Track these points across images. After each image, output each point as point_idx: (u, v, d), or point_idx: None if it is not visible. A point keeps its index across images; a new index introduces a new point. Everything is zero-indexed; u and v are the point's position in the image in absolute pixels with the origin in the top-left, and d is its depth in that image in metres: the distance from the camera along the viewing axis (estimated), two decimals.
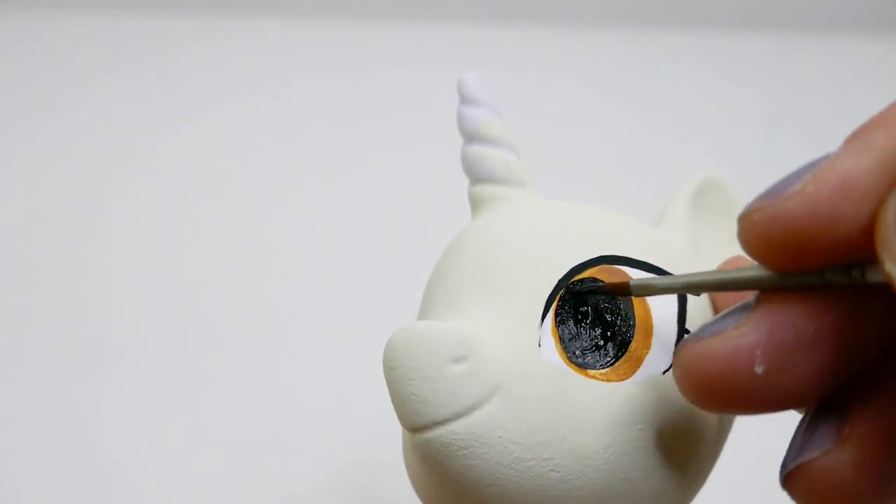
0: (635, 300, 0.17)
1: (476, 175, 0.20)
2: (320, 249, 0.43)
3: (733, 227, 0.20)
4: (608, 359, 0.17)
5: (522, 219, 0.18)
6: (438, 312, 0.18)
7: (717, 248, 0.21)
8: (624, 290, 0.17)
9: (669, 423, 0.16)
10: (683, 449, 0.17)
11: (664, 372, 0.17)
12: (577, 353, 0.16)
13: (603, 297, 0.17)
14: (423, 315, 0.19)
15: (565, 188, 0.31)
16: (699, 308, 0.18)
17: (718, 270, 0.15)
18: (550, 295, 0.17)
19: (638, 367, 0.17)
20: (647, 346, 0.17)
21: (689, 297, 0.17)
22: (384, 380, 0.16)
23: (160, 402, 0.35)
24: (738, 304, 0.13)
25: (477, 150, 0.20)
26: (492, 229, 0.18)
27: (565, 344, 0.16)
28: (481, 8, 0.60)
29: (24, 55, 0.54)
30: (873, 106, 0.49)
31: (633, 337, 0.17)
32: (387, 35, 0.57)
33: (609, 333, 0.17)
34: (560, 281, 0.17)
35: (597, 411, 0.16)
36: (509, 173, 0.19)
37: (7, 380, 0.35)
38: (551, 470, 0.16)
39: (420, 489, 0.18)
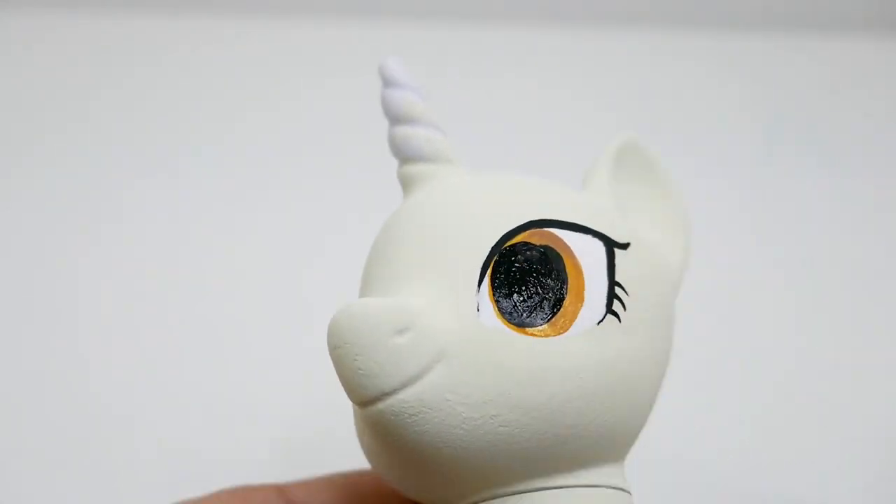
0: (566, 256, 0.18)
1: (404, 155, 0.20)
2: (313, 242, 0.44)
3: (654, 186, 0.22)
4: (545, 316, 0.17)
5: (453, 193, 0.19)
6: (377, 289, 0.18)
7: (640, 207, 0.22)
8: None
9: (608, 369, 0.17)
10: (624, 392, 0.18)
11: (599, 323, 0.17)
12: (515, 313, 0.17)
13: (535, 257, 0.18)
14: (363, 294, 0.19)
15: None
16: (628, 260, 0.19)
17: None
18: (485, 262, 0.18)
19: (573, 320, 0.17)
20: (581, 300, 0.18)
21: (617, 250, 0.18)
22: (331, 359, 0.17)
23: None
24: None
25: (403, 130, 0.20)
26: (423, 205, 0.19)
27: (502, 306, 0.17)
28: (481, 8, 0.60)
29: (24, 55, 0.55)
30: (873, 106, 0.49)
31: (566, 293, 0.18)
32: (386, 35, 0.57)
33: (543, 292, 0.17)
34: (493, 248, 0.18)
35: (538, 364, 0.17)
36: (436, 151, 0.20)
37: None
38: (500, 426, 0.17)
39: (375, 461, 0.19)
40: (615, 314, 0.18)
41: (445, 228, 0.18)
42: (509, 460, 0.17)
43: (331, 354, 0.17)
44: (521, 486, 0.18)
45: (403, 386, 0.16)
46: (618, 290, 0.18)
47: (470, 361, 0.17)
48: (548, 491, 0.18)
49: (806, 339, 0.40)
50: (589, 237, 0.18)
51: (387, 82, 0.21)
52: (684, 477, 0.35)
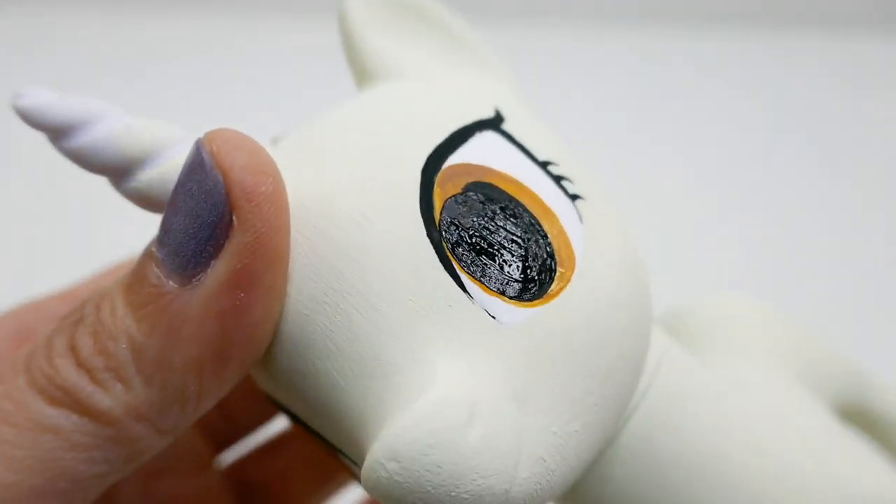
0: (496, 180, 0.14)
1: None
2: None
3: (425, 27, 0.16)
4: (547, 260, 0.14)
5: (312, 214, 0.14)
6: (369, 398, 0.13)
7: (431, 61, 0.16)
8: None
9: (626, 256, 0.15)
10: (641, 266, 0.15)
11: (581, 220, 0.14)
12: (525, 286, 0.13)
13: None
14: (335, 411, 0.13)
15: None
16: (519, 129, 0.15)
17: None
18: (444, 265, 0.13)
19: (568, 239, 0.14)
20: (551, 213, 0.14)
21: (504, 125, 0.15)
22: None
23: None
24: None
25: (140, 180, 0.13)
26: (298, 253, 0.14)
27: (506, 290, 0.13)
28: (481, 8, 0.60)
29: (24, 55, 0.55)
30: (873, 106, 0.49)
31: (538, 219, 0.14)
32: None
33: (519, 241, 0.14)
34: (431, 239, 0.13)
35: (594, 315, 0.14)
36: None
37: None
38: (604, 400, 0.14)
39: None
40: (577, 196, 0.14)
41: (361, 263, 0.13)
42: (618, 415, 0.14)
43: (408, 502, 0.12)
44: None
45: (516, 467, 0.12)
46: (552, 169, 0.14)
47: (542, 378, 0.13)
48: (644, 396, 0.15)
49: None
50: (480, 136, 0.14)
51: (61, 133, 0.13)
52: None
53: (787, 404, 0.16)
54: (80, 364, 0.13)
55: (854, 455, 0.16)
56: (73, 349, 0.13)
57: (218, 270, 0.12)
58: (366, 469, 0.12)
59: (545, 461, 0.13)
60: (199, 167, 0.12)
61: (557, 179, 0.14)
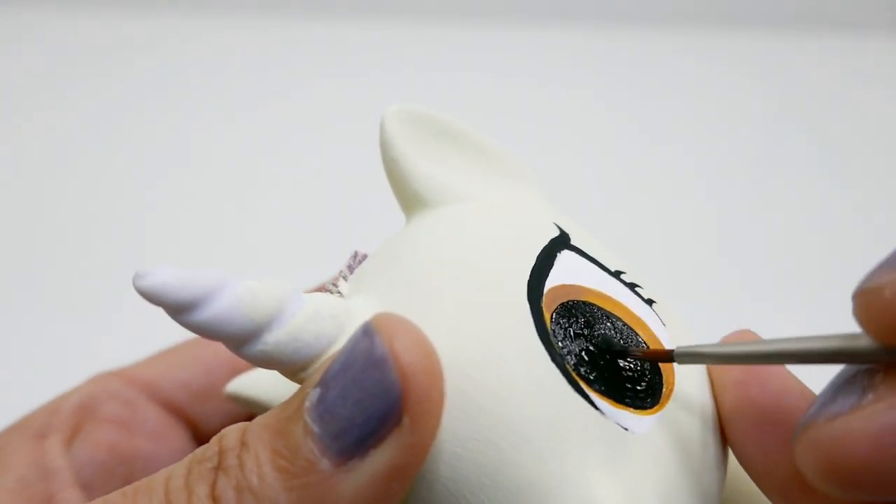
0: (589, 297, 0.15)
1: (304, 357, 0.14)
2: (304, 237, 0.43)
3: (455, 144, 0.17)
4: (648, 365, 0.15)
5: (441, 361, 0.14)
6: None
7: (470, 179, 0.17)
8: (666, 358, 0.14)
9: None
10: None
11: (663, 323, 0.15)
12: (636, 394, 0.14)
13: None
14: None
15: (564, 188, 0.30)
16: (580, 241, 0.15)
17: (801, 338, 0.12)
18: (568, 380, 0.14)
19: (658, 340, 0.15)
20: (637, 319, 0.15)
21: (569, 250, 0.15)
22: None
23: None
24: (845, 372, 0.12)
25: (267, 342, 0.13)
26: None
27: (628, 401, 0.14)
28: (481, 7, 0.59)
29: (24, 55, 0.55)
30: (873, 106, 0.49)
31: (629, 325, 0.15)
32: (385, 35, 0.57)
33: (625, 342, 0.15)
34: (553, 359, 0.14)
35: (695, 422, 0.14)
36: (333, 326, 0.14)
37: None
38: None
39: None
40: (650, 301, 0.15)
41: (490, 403, 0.14)
42: None
43: None
44: None
45: None
46: (623, 277, 0.15)
47: (670, 477, 0.14)
48: None
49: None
50: (560, 255, 0.15)
51: (188, 307, 0.13)
52: None
53: None
54: None
55: None
56: (216, 501, 0.13)
57: (378, 461, 0.12)
58: None
59: None
60: (375, 362, 0.12)
61: (632, 287, 0.15)
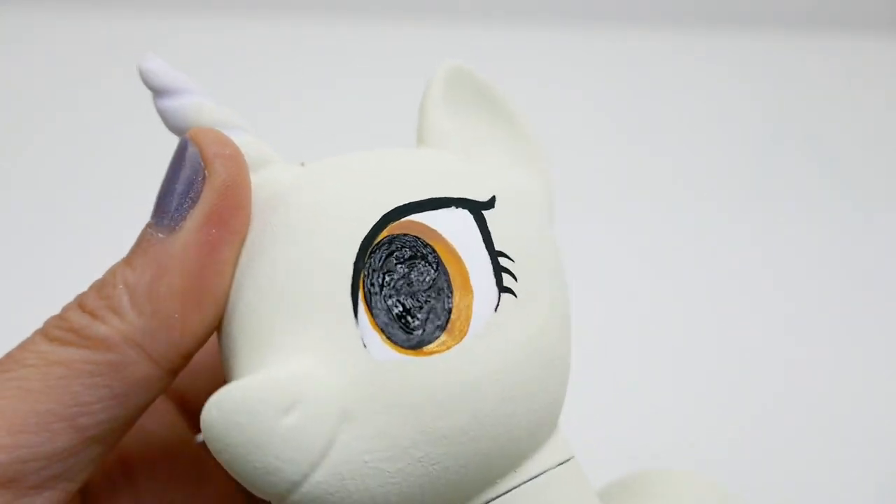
0: (437, 245, 0.15)
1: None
2: None
3: (493, 112, 0.19)
4: (439, 324, 0.15)
5: (286, 210, 0.16)
6: (242, 362, 0.15)
7: (488, 146, 0.19)
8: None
9: (523, 356, 0.15)
10: (544, 368, 0.16)
11: (496, 308, 0.15)
12: (406, 335, 0.15)
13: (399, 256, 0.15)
14: (227, 366, 0.16)
15: (564, 189, 0.30)
16: (500, 217, 0.16)
17: None
18: (352, 284, 0.15)
19: (469, 318, 0.15)
20: (469, 291, 0.15)
21: (487, 211, 0.16)
22: (219, 460, 0.14)
23: None
24: None
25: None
26: (260, 235, 0.16)
27: (389, 332, 0.15)
28: (482, 7, 0.60)
29: (24, 55, 0.55)
30: (873, 106, 0.49)
31: (452, 290, 0.15)
32: (386, 35, 0.57)
33: (428, 298, 0.15)
34: (355, 264, 0.15)
35: (450, 385, 0.15)
36: (249, 157, 0.17)
37: None
38: (431, 464, 0.15)
39: None
40: (509, 290, 0.16)
41: (292, 258, 0.15)
42: (451, 490, 0.15)
43: (217, 459, 0.14)
44: None
45: (313, 468, 0.14)
46: (502, 260, 0.16)
47: (376, 411, 0.14)
48: (500, 499, 0.16)
49: (807, 341, 0.40)
50: (451, 210, 0.16)
51: (158, 92, 0.17)
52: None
53: None
54: (85, 309, 0.16)
55: None
56: (80, 303, 0.16)
57: (194, 214, 0.16)
58: (206, 405, 0.14)
59: (344, 479, 0.14)
60: (182, 148, 0.16)
61: (499, 270, 0.16)
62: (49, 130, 0.50)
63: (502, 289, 0.16)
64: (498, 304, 0.15)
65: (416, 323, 0.15)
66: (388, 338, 0.15)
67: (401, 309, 0.15)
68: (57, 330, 0.16)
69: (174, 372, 0.16)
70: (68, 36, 0.56)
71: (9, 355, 0.16)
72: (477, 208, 0.16)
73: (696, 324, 0.40)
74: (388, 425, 0.14)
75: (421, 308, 0.15)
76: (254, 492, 0.15)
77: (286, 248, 0.16)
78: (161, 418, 0.21)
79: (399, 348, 0.15)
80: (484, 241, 0.16)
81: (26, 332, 0.16)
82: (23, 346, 0.16)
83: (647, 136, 0.51)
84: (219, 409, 0.14)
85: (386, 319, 0.15)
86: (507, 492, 0.16)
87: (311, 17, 0.58)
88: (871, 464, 0.35)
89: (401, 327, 0.15)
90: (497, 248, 0.16)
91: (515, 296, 0.16)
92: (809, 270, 0.43)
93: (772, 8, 0.60)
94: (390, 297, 0.15)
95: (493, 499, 0.16)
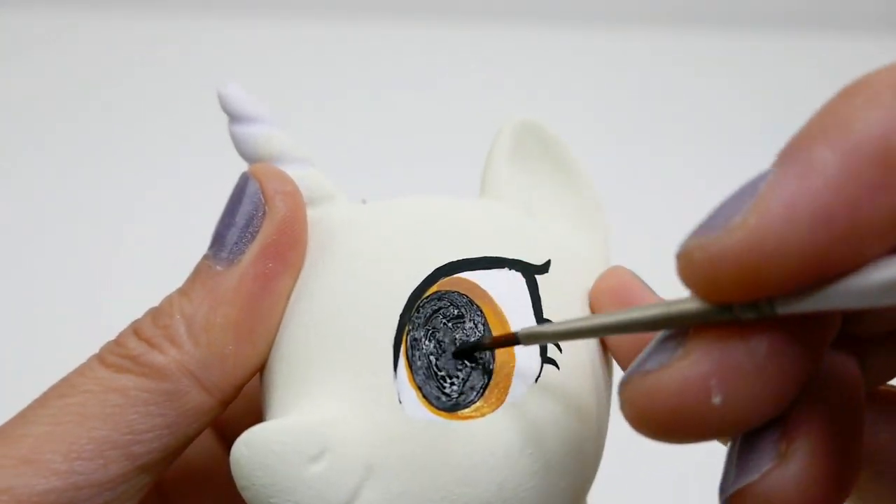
0: (485, 306, 0.15)
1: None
2: None
3: (560, 173, 0.19)
4: (477, 389, 0.15)
5: (338, 252, 0.16)
6: (278, 400, 0.15)
7: (548, 202, 0.19)
8: (512, 341, 0.15)
9: (559, 430, 0.15)
10: (579, 445, 0.16)
11: (536, 380, 0.15)
12: (443, 396, 0.15)
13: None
14: (265, 399, 0.16)
15: None
16: (552, 284, 0.16)
17: (619, 311, 0.14)
18: (395, 337, 0.15)
19: (509, 385, 0.15)
20: (513, 357, 0.15)
21: (538, 277, 0.16)
22: (243, 496, 0.14)
23: None
24: (663, 333, 0.13)
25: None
26: (311, 273, 0.16)
27: (426, 391, 0.15)
28: (483, 7, 0.60)
29: (24, 55, 0.55)
30: None
31: (495, 354, 0.15)
32: (386, 35, 0.57)
33: (469, 361, 0.15)
34: (401, 317, 0.15)
35: (480, 452, 0.14)
36: (310, 190, 0.17)
37: None
38: None
39: None
40: (552, 362, 0.15)
41: (340, 299, 0.15)
42: None
43: (241, 494, 0.14)
44: None
45: None
46: (549, 328, 0.15)
47: (402, 469, 0.14)
48: None
49: None
50: (504, 271, 0.16)
51: (233, 117, 0.18)
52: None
53: None
54: (142, 337, 0.16)
55: None
56: (136, 330, 0.16)
57: (252, 248, 0.16)
58: (237, 441, 0.14)
59: None
60: (242, 184, 0.17)
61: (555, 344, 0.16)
62: (49, 130, 0.50)
63: (545, 359, 0.15)
64: (539, 375, 0.15)
65: (454, 385, 0.15)
66: (425, 396, 0.15)
67: (441, 370, 0.15)
68: (113, 356, 0.16)
69: (225, 403, 0.16)
70: (69, 36, 0.56)
71: (66, 380, 0.16)
72: (530, 272, 0.16)
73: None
74: (412, 486, 0.14)
75: (461, 370, 0.15)
76: None
77: (334, 290, 0.16)
78: (198, 441, 0.21)
79: (434, 409, 0.15)
80: (533, 306, 0.16)
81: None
82: (80, 372, 0.16)
83: (647, 136, 0.51)
84: (248, 448, 0.14)
85: (424, 377, 0.15)
86: None
87: (311, 18, 0.58)
88: None
89: (438, 387, 0.15)
90: (545, 315, 0.16)
91: (558, 368, 0.15)
92: None
93: (771, 8, 0.60)
94: (432, 355, 0.15)
95: None
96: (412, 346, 0.15)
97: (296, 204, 0.17)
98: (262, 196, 0.16)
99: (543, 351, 0.15)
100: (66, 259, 0.42)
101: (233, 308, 0.16)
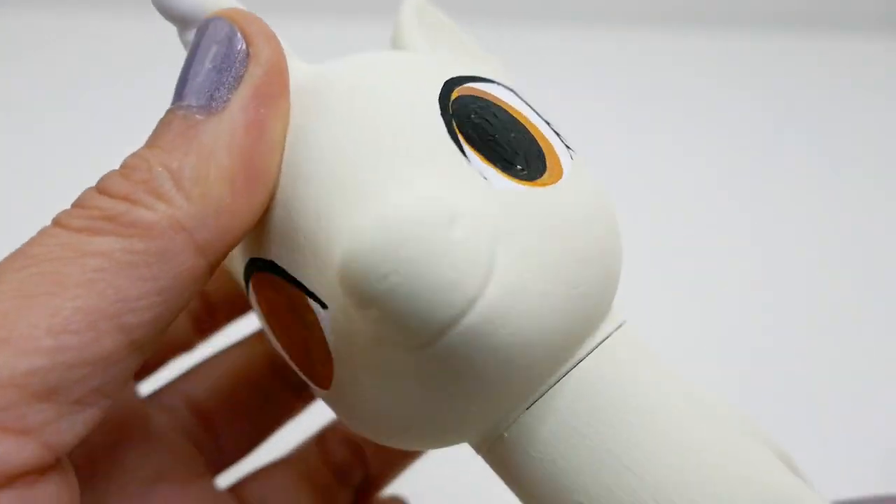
0: (503, 105, 0.16)
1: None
2: None
3: (453, 40, 0.19)
4: (540, 163, 0.15)
5: (338, 92, 0.16)
6: (353, 190, 0.14)
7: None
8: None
9: (606, 199, 0.16)
10: (614, 217, 0.16)
11: (572, 158, 0.16)
12: (519, 168, 0.15)
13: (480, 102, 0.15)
14: (326, 203, 0.14)
15: None
16: (519, 95, 0.17)
17: None
18: (448, 131, 0.15)
19: (559, 161, 0.15)
20: (547, 141, 0.16)
21: (514, 91, 0.17)
22: (376, 297, 0.12)
23: None
24: None
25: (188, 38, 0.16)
26: (312, 115, 0.15)
27: (502, 166, 0.14)
28: (484, 8, 0.60)
29: (24, 55, 0.55)
30: (873, 106, 0.50)
31: (535, 136, 0.15)
32: (387, 34, 0.57)
33: (522, 140, 0.15)
34: (442, 115, 0.15)
35: (578, 210, 0.15)
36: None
37: None
38: (572, 288, 0.14)
39: (410, 410, 0.15)
40: (569, 147, 0.16)
41: (369, 119, 0.15)
42: (579, 326, 0.15)
43: (377, 288, 0.12)
44: (568, 364, 0.15)
45: (486, 283, 0.13)
46: (553, 126, 0.16)
47: (521, 231, 0.14)
48: (589, 357, 0.15)
49: (809, 339, 0.40)
50: (495, 85, 0.16)
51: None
52: None
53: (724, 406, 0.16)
54: (116, 196, 0.14)
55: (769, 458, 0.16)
56: (106, 191, 0.14)
57: (241, 92, 0.15)
58: (350, 238, 0.12)
59: (514, 296, 0.13)
60: (215, 25, 0.15)
61: (557, 133, 0.16)
62: (48, 131, 0.50)
63: (567, 146, 0.16)
64: (571, 156, 0.16)
65: (521, 159, 0.15)
66: (503, 170, 0.14)
67: (502, 147, 0.15)
68: (81, 220, 0.14)
69: (214, 267, 0.15)
70: (68, 36, 0.56)
71: (21, 252, 0.13)
72: (509, 88, 0.17)
73: (696, 323, 0.40)
74: (534, 245, 0.14)
75: (520, 147, 0.15)
76: (416, 325, 0.13)
77: (362, 112, 0.15)
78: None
79: (517, 180, 0.14)
80: (532, 109, 0.16)
81: None
82: (37, 242, 0.14)
83: (646, 136, 0.51)
84: (384, 228, 0.12)
85: (494, 157, 0.15)
86: (595, 348, 0.15)
87: (311, 18, 0.58)
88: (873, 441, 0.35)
89: (511, 162, 0.15)
90: (543, 117, 0.16)
91: (576, 154, 0.16)
92: (806, 270, 0.43)
93: (772, 8, 0.60)
94: (489, 139, 0.15)
95: (584, 357, 0.15)
96: (468, 136, 0.15)
97: (279, 46, 0.15)
98: (241, 38, 0.15)
99: (562, 140, 0.16)
100: None
101: (227, 157, 0.14)
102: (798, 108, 0.54)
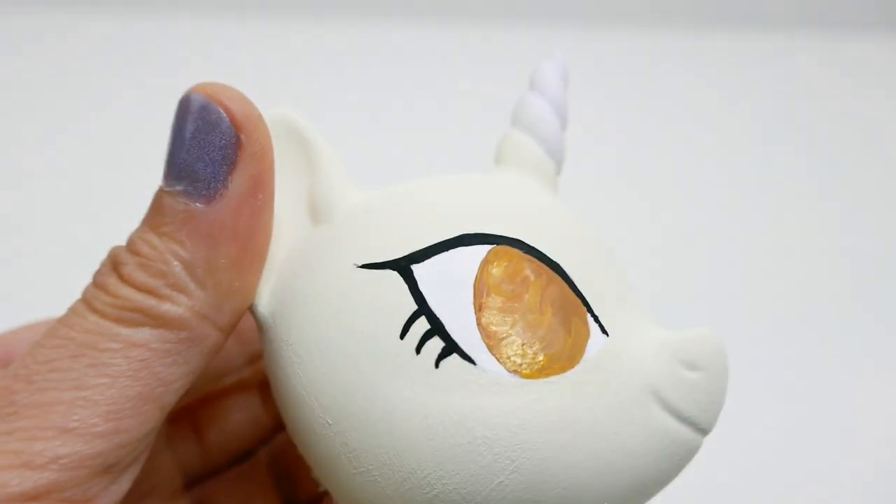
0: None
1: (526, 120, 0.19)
2: None
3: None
4: None
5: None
6: (612, 314, 0.17)
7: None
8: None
9: None
10: None
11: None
12: None
13: None
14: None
15: (564, 188, 0.30)
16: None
17: None
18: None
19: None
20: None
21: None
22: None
23: None
24: None
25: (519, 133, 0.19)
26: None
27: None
28: (485, 7, 0.60)
29: (24, 55, 0.55)
30: (873, 106, 0.49)
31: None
32: (386, 35, 0.57)
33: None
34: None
35: None
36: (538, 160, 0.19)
37: None
38: None
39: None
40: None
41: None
42: None
43: (720, 362, 0.16)
44: None
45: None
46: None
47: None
48: None
49: (808, 338, 0.40)
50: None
51: (533, 85, 0.19)
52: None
53: None
54: (141, 288, 0.15)
55: None
56: (128, 280, 0.15)
57: (239, 181, 0.15)
58: (705, 341, 0.16)
59: None
60: (199, 109, 0.15)
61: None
62: (48, 131, 0.50)
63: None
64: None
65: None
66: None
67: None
68: (111, 309, 0.15)
69: (228, 335, 0.17)
70: (68, 36, 0.56)
71: (71, 339, 0.15)
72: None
73: (695, 323, 0.40)
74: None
75: None
76: (714, 408, 0.16)
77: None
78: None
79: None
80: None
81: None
82: (67, 322, 0.15)
83: (645, 136, 0.51)
84: (718, 350, 0.16)
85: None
86: None
87: (311, 18, 0.58)
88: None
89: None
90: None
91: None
92: (806, 270, 0.43)
93: (771, 8, 0.60)
94: None
95: None
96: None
97: (265, 126, 0.16)
98: (232, 125, 0.15)
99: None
100: (67, 265, 0.42)
101: (233, 246, 0.15)
102: (798, 108, 0.54)
